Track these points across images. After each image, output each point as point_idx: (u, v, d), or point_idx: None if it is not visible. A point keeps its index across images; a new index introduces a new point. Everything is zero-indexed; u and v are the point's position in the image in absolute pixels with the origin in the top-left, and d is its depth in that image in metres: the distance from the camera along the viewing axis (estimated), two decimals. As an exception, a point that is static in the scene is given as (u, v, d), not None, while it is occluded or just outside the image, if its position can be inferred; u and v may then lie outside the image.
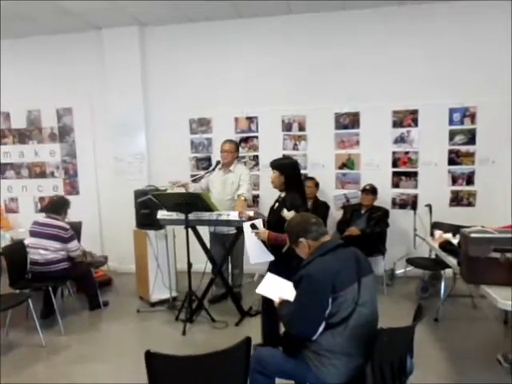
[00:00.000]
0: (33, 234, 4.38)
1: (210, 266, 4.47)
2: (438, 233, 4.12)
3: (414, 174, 5.45)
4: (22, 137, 6.28)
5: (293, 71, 5.53)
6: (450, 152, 5.34)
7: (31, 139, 6.27)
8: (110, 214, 6.04)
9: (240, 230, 3.92)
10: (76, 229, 5.11)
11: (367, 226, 5.06)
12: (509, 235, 2.69)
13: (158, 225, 4.54)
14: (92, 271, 4.75)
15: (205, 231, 4.63)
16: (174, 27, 5.73)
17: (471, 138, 5.27)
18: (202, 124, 5.89)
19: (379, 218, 5.07)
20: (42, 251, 4.25)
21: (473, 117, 5.24)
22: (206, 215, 4.13)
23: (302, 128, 5.65)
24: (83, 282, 4.66)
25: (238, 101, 5.68)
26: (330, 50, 5.42)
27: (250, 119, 5.76)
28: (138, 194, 4.68)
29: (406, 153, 5.44)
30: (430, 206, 5.13)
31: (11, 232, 5.67)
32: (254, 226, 3.39)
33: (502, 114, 5.09)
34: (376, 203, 5.24)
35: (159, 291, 4.70)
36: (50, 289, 4.23)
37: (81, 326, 4.35)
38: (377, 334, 2.04)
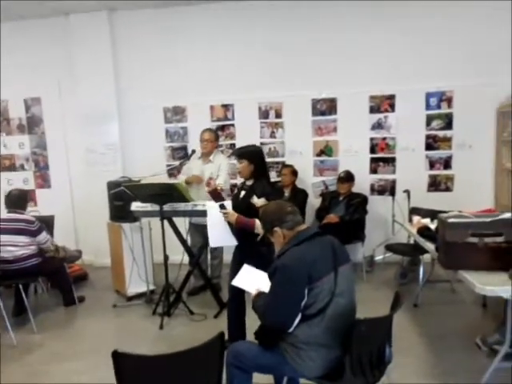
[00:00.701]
0: (-1, 231, 4.20)
1: (187, 258, 4.38)
2: (415, 218, 4.10)
3: (391, 160, 5.43)
4: (-12, 129, 6.04)
5: (269, 57, 5.41)
6: (428, 137, 5.32)
7: (-1, 131, 6.04)
8: (83, 207, 5.87)
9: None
10: (48, 223, 4.94)
11: (346, 212, 5.02)
12: (486, 219, 2.66)
13: (132, 217, 4.41)
14: (65, 266, 4.60)
15: (183, 222, 4.52)
16: (146, 12, 5.54)
17: (448, 122, 5.26)
18: (177, 113, 5.74)
19: (358, 204, 5.04)
20: (11, 248, 4.07)
21: (449, 101, 5.22)
22: (181, 206, 4.02)
23: (278, 115, 5.56)
24: (56, 278, 4.52)
25: (214, 88, 5.54)
26: (305, 36, 5.31)
27: (226, 107, 5.64)
28: (111, 185, 4.53)
29: (384, 139, 5.41)
30: (408, 192, 5.11)
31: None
32: (222, 206, 3.25)
33: (479, 98, 5.08)
34: (354, 189, 5.21)
35: (136, 285, 4.59)
36: (21, 286, 4.07)
37: (55, 323, 4.21)
38: (354, 324, 1.99)
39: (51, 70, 5.77)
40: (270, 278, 2.12)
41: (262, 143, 5.54)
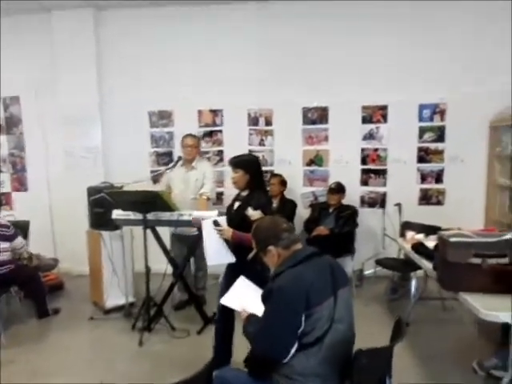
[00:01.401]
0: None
1: (171, 268, 4.16)
2: (410, 234, 3.97)
3: (382, 172, 5.31)
4: (-36, 128, 5.73)
5: (260, 63, 5.26)
6: (420, 149, 5.23)
7: (-25, 131, 5.74)
8: (62, 212, 5.60)
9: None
10: (23, 228, 4.71)
11: (336, 225, 4.87)
12: (490, 239, 2.53)
13: (113, 225, 4.17)
14: (39, 275, 4.34)
15: (165, 232, 4.31)
16: (132, 11, 5.35)
17: (440, 135, 5.17)
18: (163, 117, 5.54)
19: (348, 216, 4.90)
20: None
21: (442, 113, 5.14)
22: (166, 215, 3.80)
23: (268, 122, 5.41)
24: (29, 288, 4.23)
25: (202, 92, 5.35)
26: (298, 42, 5.19)
27: (215, 112, 5.46)
28: (92, 191, 4.30)
29: (375, 150, 5.29)
30: (399, 206, 4.99)
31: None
32: (216, 223, 3.08)
33: (472, 111, 5.00)
34: (345, 201, 5.06)
35: (114, 297, 4.34)
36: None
37: (27, 336, 3.94)
38: (355, 355, 1.81)
39: (31, 69, 5.51)
40: (264, 301, 1.93)
41: (250, 151, 5.37)
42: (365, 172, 5.34)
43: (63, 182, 5.52)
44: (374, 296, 4.76)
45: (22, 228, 4.72)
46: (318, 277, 1.93)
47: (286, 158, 5.43)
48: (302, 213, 5.29)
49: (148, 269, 3.83)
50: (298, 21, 5.15)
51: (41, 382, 3.15)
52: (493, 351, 3.17)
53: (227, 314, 2.86)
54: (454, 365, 3.24)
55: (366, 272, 5.23)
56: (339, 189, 5.00)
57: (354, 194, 5.27)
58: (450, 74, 5.01)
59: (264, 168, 5.32)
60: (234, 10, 5.20)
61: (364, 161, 5.33)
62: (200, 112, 5.47)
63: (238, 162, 3.11)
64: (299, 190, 5.42)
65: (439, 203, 5.26)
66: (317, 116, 5.33)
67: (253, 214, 2.93)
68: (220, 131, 5.48)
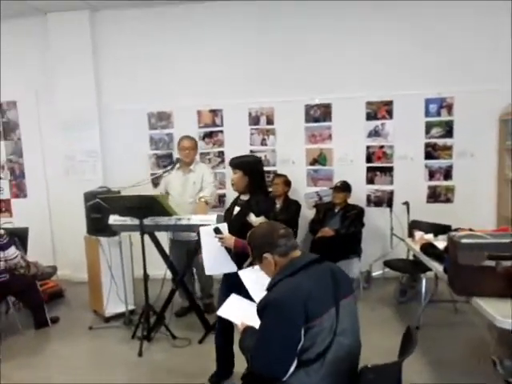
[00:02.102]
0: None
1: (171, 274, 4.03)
2: (418, 234, 3.80)
3: (389, 170, 5.13)
4: (-39, 134, 5.64)
5: (260, 60, 5.11)
6: (427, 145, 5.04)
7: (-28, 137, 5.64)
8: (61, 218, 5.48)
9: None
10: (22, 235, 4.59)
11: (342, 225, 4.71)
12: (504, 240, 2.36)
13: (111, 230, 4.04)
14: (36, 284, 4.23)
15: (163, 237, 4.16)
16: (129, 11, 5.21)
17: (448, 130, 4.99)
18: (162, 118, 5.40)
19: (354, 217, 4.73)
20: (-24, 264, 3.71)
21: (450, 108, 4.95)
22: (163, 220, 3.67)
23: (270, 121, 5.24)
24: (26, 297, 4.12)
25: (201, 92, 5.20)
26: (299, 38, 5.02)
27: (214, 112, 5.32)
28: (88, 196, 4.17)
29: (381, 147, 5.12)
30: (407, 204, 4.81)
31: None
32: (217, 230, 2.93)
33: (480, 104, 4.82)
34: (350, 201, 4.90)
35: (114, 304, 4.21)
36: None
37: (23, 348, 3.81)
38: (361, 371, 1.66)
39: (28, 73, 5.41)
40: (260, 315, 1.79)
41: (251, 151, 5.23)
42: (370, 170, 5.17)
43: (62, 188, 5.40)
44: (383, 298, 4.60)
45: (20, 235, 4.62)
46: (317, 286, 1.78)
47: (288, 157, 5.27)
48: (307, 214, 5.14)
49: (146, 276, 3.71)
50: (300, 15, 4.99)
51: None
52: (508, 356, 2.99)
53: (226, 323, 2.72)
54: (468, 371, 3.07)
55: (374, 273, 5.06)
56: (345, 187, 4.83)
57: (359, 193, 5.10)
58: (457, 67, 4.82)
59: (267, 168, 5.19)
60: (233, 7, 5.05)
61: (369, 159, 5.16)
62: (199, 112, 5.33)
63: (236, 163, 2.99)
64: (303, 191, 5.26)
65: (448, 201, 5.07)
66: (320, 113, 5.17)
67: (255, 220, 2.79)
68: (220, 131, 5.33)
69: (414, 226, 4.39)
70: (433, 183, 5.08)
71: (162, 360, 3.50)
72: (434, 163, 5.05)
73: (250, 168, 2.95)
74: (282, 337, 1.69)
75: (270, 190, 4.97)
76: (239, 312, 2.20)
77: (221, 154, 5.34)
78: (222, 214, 3.27)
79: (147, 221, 3.65)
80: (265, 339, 1.73)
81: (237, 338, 2.21)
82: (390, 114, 5.05)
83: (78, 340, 3.94)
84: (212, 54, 5.17)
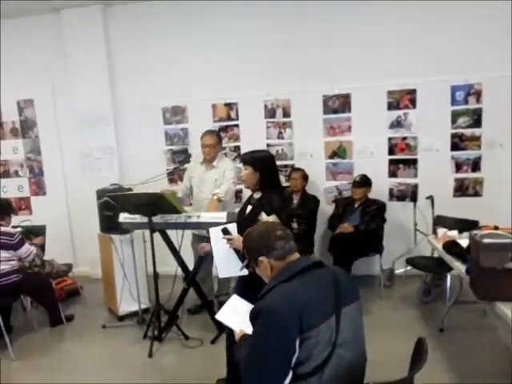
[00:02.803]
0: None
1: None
2: (441, 231, 3.56)
3: (412, 162, 4.88)
4: (-19, 133, 5.72)
5: (274, 50, 4.92)
6: (453, 136, 4.75)
7: (-8, 135, 5.71)
8: (79, 216, 5.49)
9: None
10: (39, 233, 4.61)
11: (362, 221, 4.50)
12: (532, 240, 2.13)
13: (122, 228, 3.98)
14: (51, 283, 4.22)
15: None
16: (142, 5, 5.12)
17: (476, 119, 4.68)
18: (177, 113, 5.31)
19: (375, 212, 4.51)
20: (-10, 263, 3.71)
21: (478, 95, 4.65)
22: (173, 217, 3.57)
23: (286, 114, 5.06)
24: (41, 296, 4.10)
25: (216, 86, 5.06)
26: (315, 25, 4.81)
27: (229, 106, 5.18)
28: (101, 193, 4.13)
29: (404, 138, 4.86)
30: (431, 198, 4.56)
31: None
32: (225, 231, 2.81)
33: (510, 91, 4.49)
34: (371, 195, 4.68)
35: (128, 303, 4.16)
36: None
37: (37, 347, 3.81)
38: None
39: (44, 71, 5.40)
40: (252, 323, 1.64)
41: (268, 145, 5.08)
42: (393, 163, 4.93)
43: (80, 185, 5.39)
44: (406, 297, 4.38)
45: (38, 233, 4.64)
46: (316, 293, 1.62)
47: (306, 150, 5.08)
48: (326, 209, 4.95)
49: (156, 274, 3.62)
50: (314, 4, 4.77)
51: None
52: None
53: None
54: (497, 381, 2.84)
55: (397, 271, 4.84)
56: (364, 182, 4.61)
57: (381, 187, 4.87)
58: (484, 51, 4.51)
59: (284, 162, 5.09)
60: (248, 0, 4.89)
61: (392, 151, 4.91)
62: (214, 106, 5.20)
63: (246, 159, 2.88)
64: (322, 185, 5.07)
65: (477, 194, 4.78)
66: (338, 104, 4.95)
67: (266, 219, 2.66)
68: (236, 125, 5.19)
69: (438, 221, 4.16)
70: (460, 176, 4.80)
71: (172, 361, 3.42)
72: (461, 154, 4.77)
73: (261, 164, 2.82)
74: (274, 347, 1.55)
75: (288, 184, 4.83)
76: (240, 316, 2.06)
77: (237, 149, 5.20)
78: (234, 211, 3.14)
79: (157, 218, 3.57)
80: (257, 349, 1.59)
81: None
82: (413, 103, 4.79)
83: (90, 339, 3.91)
84: (225, 45, 5.03)
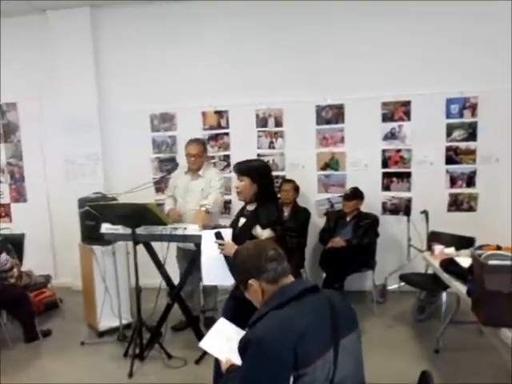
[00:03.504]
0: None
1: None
2: (437, 248, 3.43)
3: (406, 175, 4.77)
4: (-40, 136, 5.48)
5: (268, 58, 4.80)
6: (448, 149, 4.67)
7: (-29, 139, 5.47)
8: (61, 224, 5.26)
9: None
10: (17, 242, 4.41)
11: (354, 235, 4.36)
12: (540, 262, 2.00)
13: (105, 239, 3.79)
14: (28, 295, 4.00)
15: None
16: (131, 8, 4.96)
17: (472, 132, 4.60)
18: (165, 120, 5.14)
19: (368, 226, 4.39)
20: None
21: (473, 108, 4.57)
22: (158, 229, 3.39)
23: (278, 123, 4.93)
24: (16, 310, 3.88)
25: (206, 93, 4.90)
26: (309, 34, 4.70)
27: (220, 114, 5.03)
28: (82, 202, 3.94)
29: (398, 151, 4.76)
30: (426, 213, 4.45)
31: None
32: (218, 235, 2.65)
33: (507, 104, 4.42)
34: (364, 208, 4.55)
35: (108, 318, 3.95)
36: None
37: (11, 364, 3.57)
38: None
39: (28, 73, 5.20)
40: (241, 356, 1.47)
41: (259, 154, 4.93)
42: (386, 176, 4.81)
43: (63, 192, 5.18)
44: (399, 315, 4.25)
45: (16, 242, 4.43)
46: (312, 322, 1.46)
47: (298, 161, 4.95)
48: (317, 222, 4.81)
49: (139, 289, 3.43)
50: (309, 10, 4.67)
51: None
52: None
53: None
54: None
55: (390, 287, 4.70)
56: (355, 195, 4.49)
57: (374, 201, 4.75)
58: (481, 64, 4.44)
59: (275, 173, 4.88)
60: (238, 5, 4.76)
61: (385, 163, 4.80)
62: (204, 114, 5.04)
63: (244, 169, 2.69)
64: (313, 197, 4.93)
65: (471, 209, 4.68)
66: (332, 115, 4.83)
67: (261, 233, 2.51)
68: (226, 134, 5.05)
69: (433, 237, 4.05)
70: (454, 190, 4.70)
71: (153, 382, 3.23)
72: (456, 168, 4.67)
73: (259, 174, 2.66)
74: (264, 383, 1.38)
75: (278, 196, 4.68)
76: (227, 344, 1.88)
77: (226, 158, 5.05)
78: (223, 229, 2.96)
79: (140, 230, 3.38)
80: (245, 385, 1.42)
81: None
82: (407, 115, 4.69)
83: (68, 356, 3.69)
84: (218, 53, 4.89)
